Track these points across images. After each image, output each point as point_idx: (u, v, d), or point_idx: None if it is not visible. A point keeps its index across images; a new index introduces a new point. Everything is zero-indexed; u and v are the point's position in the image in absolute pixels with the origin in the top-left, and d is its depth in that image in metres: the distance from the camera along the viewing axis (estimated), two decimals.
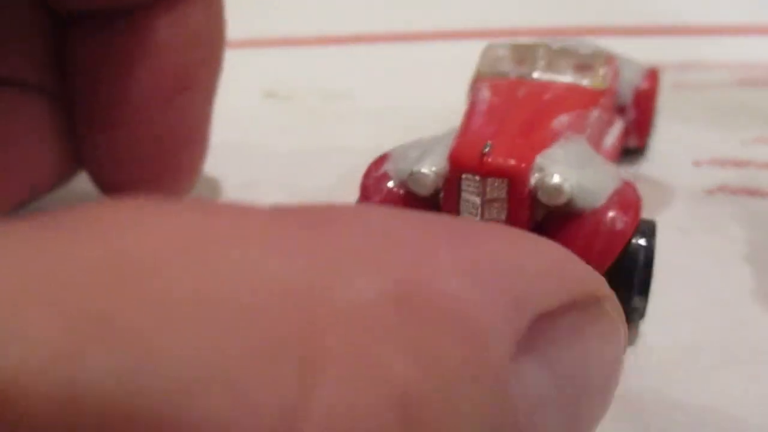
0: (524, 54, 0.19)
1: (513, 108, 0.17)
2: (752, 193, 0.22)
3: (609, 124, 0.20)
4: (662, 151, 0.25)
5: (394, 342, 0.08)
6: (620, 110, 0.21)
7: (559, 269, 0.10)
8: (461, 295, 0.09)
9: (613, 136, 0.20)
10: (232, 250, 0.07)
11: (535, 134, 0.16)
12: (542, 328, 0.09)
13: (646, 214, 0.20)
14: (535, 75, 0.18)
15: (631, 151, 0.23)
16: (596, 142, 0.18)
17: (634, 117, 0.21)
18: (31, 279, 0.07)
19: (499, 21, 0.43)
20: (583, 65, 0.19)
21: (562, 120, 0.16)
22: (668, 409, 0.14)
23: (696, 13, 0.45)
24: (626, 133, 0.21)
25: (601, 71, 0.18)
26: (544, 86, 0.18)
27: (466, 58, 0.32)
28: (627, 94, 0.21)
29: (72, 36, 0.18)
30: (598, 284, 0.10)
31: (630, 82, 0.21)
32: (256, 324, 0.07)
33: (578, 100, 0.17)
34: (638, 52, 0.37)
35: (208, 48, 0.19)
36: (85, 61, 0.18)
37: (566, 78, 0.18)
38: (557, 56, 0.19)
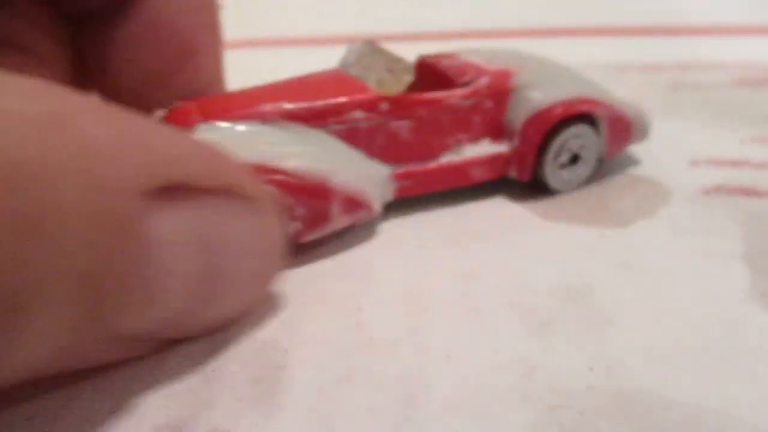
0: (366, 53, 0.22)
1: (287, 87, 0.20)
2: (749, 192, 0.22)
3: (393, 127, 0.20)
4: (660, 150, 0.25)
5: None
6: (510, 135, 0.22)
7: (208, 163, 0.14)
8: (97, 133, 0.12)
9: (393, 140, 0.21)
10: None
11: (239, 108, 0.19)
12: (185, 194, 0.13)
13: (646, 214, 0.21)
14: (352, 70, 0.21)
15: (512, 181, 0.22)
16: (359, 138, 0.20)
17: (518, 147, 0.21)
18: None
19: (499, 21, 0.43)
20: (391, 69, 0.22)
21: (282, 106, 0.19)
22: (666, 407, 0.14)
23: (695, 14, 0.45)
24: (505, 161, 0.22)
25: (405, 78, 0.22)
26: (336, 79, 0.21)
27: None
28: (517, 123, 0.22)
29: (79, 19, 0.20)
30: (244, 183, 0.14)
31: (526, 112, 0.21)
32: None
33: (345, 95, 0.20)
34: (638, 52, 0.38)
35: (207, 12, 0.21)
36: (94, 41, 0.20)
37: (370, 77, 0.21)
38: (379, 59, 0.22)
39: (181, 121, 0.19)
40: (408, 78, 0.22)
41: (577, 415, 0.14)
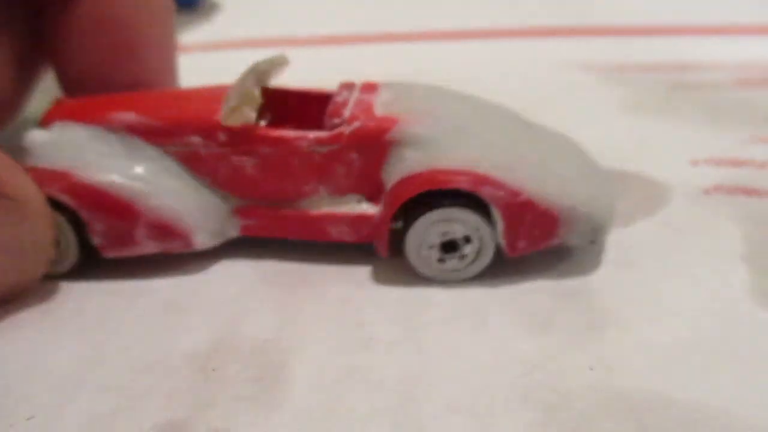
0: (256, 73, 0.19)
1: (158, 98, 0.20)
2: (749, 192, 0.22)
3: (235, 160, 0.18)
4: (660, 150, 0.25)
5: None
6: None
7: None
8: None
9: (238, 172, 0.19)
10: None
11: (97, 112, 0.19)
12: None
13: (646, 214, 0.21)
14: (240, 88, 0.19)
15: None
16: (200, 164, 0.18)
17: (379, 215, 0.18)
18: None
19: (499, 21, 0.43)
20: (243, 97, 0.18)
21: (129, 117, 0.19)
22: (666, 406, 0.14)
23: (695, 14, 0.45)
24: (371, 225, 0.18)
25: (245, 110, 0.18)
26: (207, 98, 0.19)
27: (465, 58, 0.32)
28: (388, 185, 0.18)
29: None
30: (6, 185, 0.16)
31: (397, 174, 0.18)
32: None
33: (188, 116, 0.19)
34: (638, 52, 0.38)
35: (155, 8, 0.22)
36: (50, 29, 0.22)
37: (234, 101, 0.18)
38: (251, 81, 0.19)
39: (47, 116, 0.19)
40: (248, 111, 0.18)
41: (577, 415, 0.14)
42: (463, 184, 0.17)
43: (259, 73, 0.19)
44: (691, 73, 0.34)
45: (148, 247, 0.18)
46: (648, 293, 0.17)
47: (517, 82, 0.33)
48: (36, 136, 0.19)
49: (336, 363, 0.15)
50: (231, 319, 0.17)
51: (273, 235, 0.19)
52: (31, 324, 0.17)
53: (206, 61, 0.42)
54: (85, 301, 0.18)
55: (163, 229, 0.18)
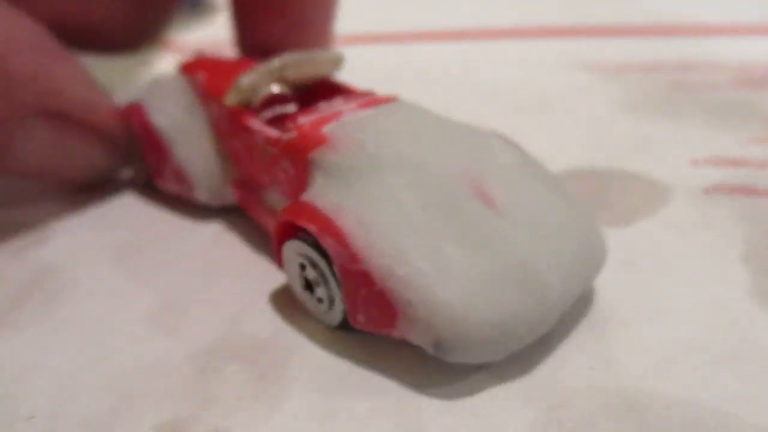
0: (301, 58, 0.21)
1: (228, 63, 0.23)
2: (749, 192, 0.22)
3: (230, 134, 0.20)
4: (660, 150, 0.25)
5: None
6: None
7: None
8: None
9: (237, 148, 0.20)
10: None
11: (195, 70, 0.22)
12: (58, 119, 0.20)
13: (646, 213, 0.20)
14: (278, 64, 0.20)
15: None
16: (220, 129, 0.21)
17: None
18: None
19: (499, 21, 0.43)
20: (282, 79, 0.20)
21: (200, 76, 0.22)
22: (667, 407, 0.14)
23: (695, 14, 0.45)
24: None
25: (246, 93, 0.19)
26: (243, 65, 0.22)
27: (465, 58, 0.32)
28: None
29: None
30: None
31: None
32: None
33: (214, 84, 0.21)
34: (638, 52, 0.38)
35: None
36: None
37: (262, 78, 0.20)
38: (270, 70, 0.20)
39: (183, 66, 0.23)
40: (250, 95, 0.19)
41: (577, 415, 0.14)
42: (311, 227, 0.15)
43: (287, 65, 0.20)
44: (691, 73, 0.34)
45: (171, 185, 0.22)
46: (648, 293, 0.17)
47: (517, 82, 0.33)
48: (156, 77, 0.23)
49: (336, 363, 0.15)
50: (231, 319, 0.17)
51: (250, 215, 0.20)
52: (31, 324, 0.17)
53: None
54: (85, 301, 0.18)
55: (179, 175, 0.21)
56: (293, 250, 0.16)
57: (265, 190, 0.19)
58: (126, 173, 0.24)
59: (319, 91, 0.21)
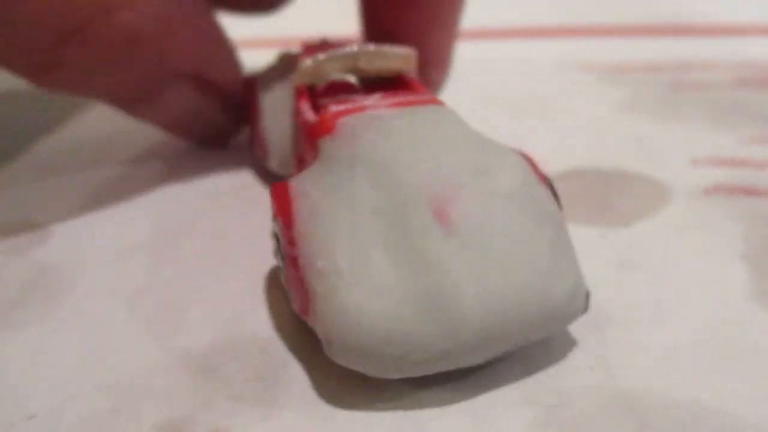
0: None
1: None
2: (749, 192, 0.22)
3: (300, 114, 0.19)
4: (660, 150, 0.25)
5: None
6: None
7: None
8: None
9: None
10: None
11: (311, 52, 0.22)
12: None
13: (646, 213, 0.20)
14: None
15: None
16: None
17: None
18: None
19: (499, 21, 0.43)
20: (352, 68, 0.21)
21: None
22: (666, 407, 0.14)
23: (695, 14, 0.45)
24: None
25: (309, 76, 0.20)
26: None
27: (465, 58, 0.32)
28: None
29: None
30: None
31: None
32: None
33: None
34: (638, 52, 0.38)
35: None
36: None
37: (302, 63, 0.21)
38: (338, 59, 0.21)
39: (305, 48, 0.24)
40: (312, 77, 0.20)
41: (577, 415, 0.14)
42: (274, 206, 0.16)
43: (360, 55, 0.20)
44: (691, 73, 0.34)
45: (257, 151, 0.24)
46: (648, 293, 0.17)
47: (517, 82, 0.33)
48: (281, 55, 0.25)
49: (336, 363, 0.15)
50: (231, 319, 0.17)
51: None
52: (31, 324, 0.17)
53: None
54: (85, 301, 0.18)
55: (262, 143, 0.23)
56: (274, 225, 0.16)
57: (305, 168, 0.19)
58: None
59: (388, 85, 0.21)
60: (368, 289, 0.13)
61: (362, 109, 0.17)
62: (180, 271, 0.19)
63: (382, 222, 0.14)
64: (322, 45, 0.24)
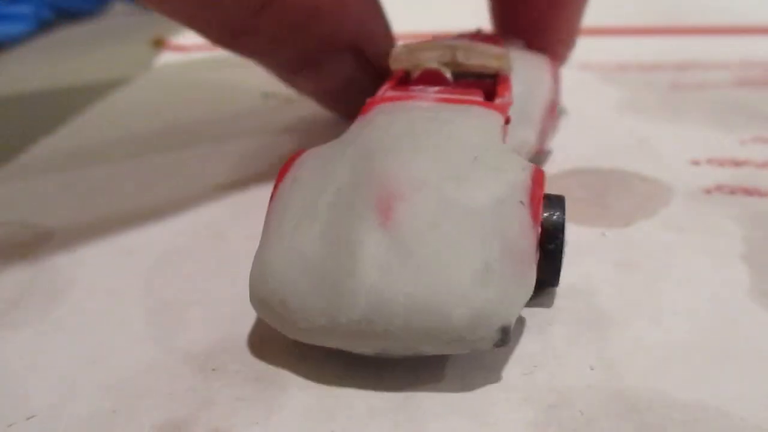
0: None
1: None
2: (750, 192, 0.22)
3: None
4: (660, 149, 0.25)
5: None
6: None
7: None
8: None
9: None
10: None
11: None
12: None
13: (646, 213, 0.20)
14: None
15: None
16: None
17: None
18: None
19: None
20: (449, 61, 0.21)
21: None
22: (666, 406, 0.14)
23: (695, 14, 0.45)
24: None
25: (402, 64, 0.21)
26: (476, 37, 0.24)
27: None
28: None
29: None
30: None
31: None
32: None
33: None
34: (638, 52, 0.38)
35: None
36: None
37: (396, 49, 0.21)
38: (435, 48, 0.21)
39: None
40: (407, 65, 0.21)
41: (577, 415, 0.14)
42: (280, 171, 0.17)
43: (459, 48, 0.20)
44: (691, 73, 0.34)
45: None
46: (648, 293, 0.17)
47: None
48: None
49: (336, 363, 0.15)
50: (231, 319, 0.17)
51: None
52: (30, 324, 0.17)
53: (206, 60, 0.42)
54: (85, 301, 0.18)
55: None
56: None
57: None
58: None
59: (481, 83, 0.20)
60: (287, 252, 0.15)
61: (408, 98, 0.18)
62: (180, 271, 0.19)
63: (338, 200, 0.15)
64: (474, 36, 0.24)
